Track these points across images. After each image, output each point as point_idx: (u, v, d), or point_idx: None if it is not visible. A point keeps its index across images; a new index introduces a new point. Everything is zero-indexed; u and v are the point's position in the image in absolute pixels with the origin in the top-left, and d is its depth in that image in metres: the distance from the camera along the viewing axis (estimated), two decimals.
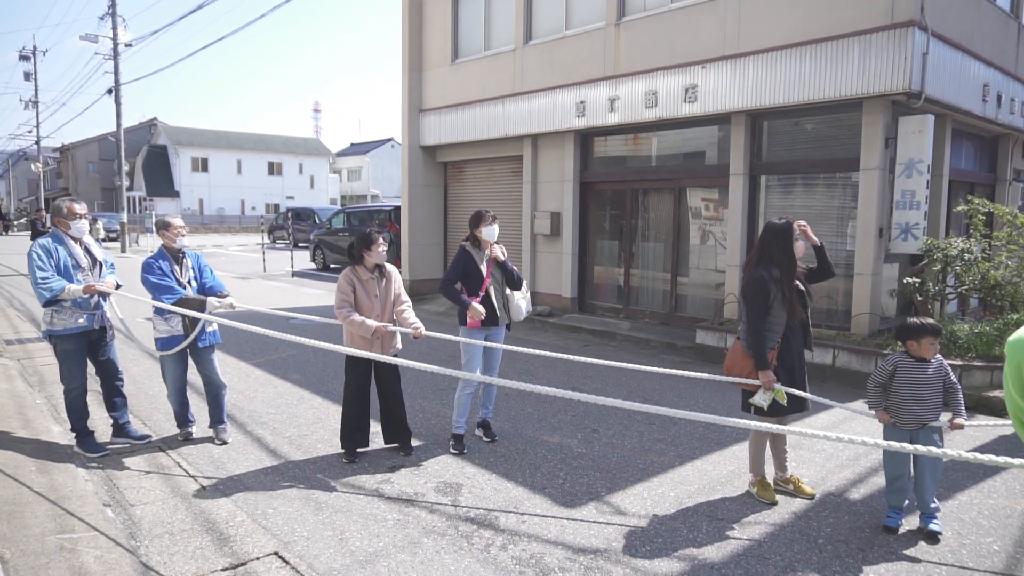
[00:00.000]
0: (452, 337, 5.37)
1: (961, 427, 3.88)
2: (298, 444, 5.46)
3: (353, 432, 5.14)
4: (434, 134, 13.75)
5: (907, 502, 4.08)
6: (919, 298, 7.76)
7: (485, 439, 5.56)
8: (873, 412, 4.10)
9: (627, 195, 11.11)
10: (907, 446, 2.94)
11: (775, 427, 3.31)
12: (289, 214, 28.51)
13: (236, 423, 5.91)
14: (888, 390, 4.03)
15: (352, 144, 71.82)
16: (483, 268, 5.33)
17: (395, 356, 5.12)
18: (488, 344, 5.25)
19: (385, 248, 5.12)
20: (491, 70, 12.55)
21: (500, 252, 5.42)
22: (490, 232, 5.34)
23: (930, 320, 4.03)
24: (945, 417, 3.97)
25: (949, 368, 4.04)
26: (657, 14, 9.89)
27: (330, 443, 5.43)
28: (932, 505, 3.96)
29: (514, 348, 5.23)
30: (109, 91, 28.06)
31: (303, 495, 4.49)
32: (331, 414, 6.15)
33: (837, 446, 5.40)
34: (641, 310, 10.91)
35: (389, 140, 64.16)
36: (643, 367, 4.81)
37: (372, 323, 4.92)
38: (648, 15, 10.01)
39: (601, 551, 3.80)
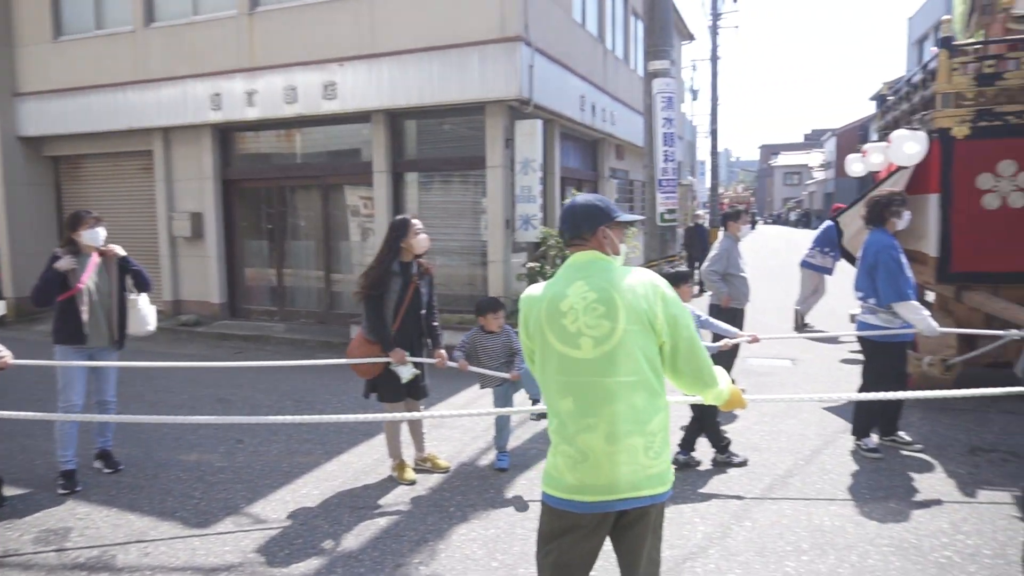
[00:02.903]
0: (53, 363, 4.62)
1: (517, 377, 4.67)
2: None
3: None
4: (37, 124, 11.63)
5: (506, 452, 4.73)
6: (540, 280, 8.87)
7: (106, 470, 4.90)
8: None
9: (275, 193, 10.75)
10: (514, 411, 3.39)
11: (407, 415, 3.84)
12: None
13: None
14: (471, 356, 4.75)
15: None
16: (79, 276, 4.66)
17: None
18: (93, 364, 4.65)
19: None
20: (107, 52, 11.02)
21: (119, 249, 4.85)
22: (93, 236, 4.70)
23: (495, 299, 4.88)
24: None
25: (515, 335, 4.83)
26: (292, 7, 9.67)
27: None
28: (504, 448, 4.90)
29: (145, 364, 4.72)
30: None
31: None
32: None
33: (474, 420, 5.91)
34: (297, 310, 10.67)
35: None
36: (269, 363, 4.71)
37: None
38: (283, 7, 9.74)
39: (236, 565, 3.61)
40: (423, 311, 4.61)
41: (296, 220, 10.82)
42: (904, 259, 4.76)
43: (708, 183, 30.99)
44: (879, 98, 8.76)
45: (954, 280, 5.94)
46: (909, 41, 31.43)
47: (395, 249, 4.46)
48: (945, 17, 6.00)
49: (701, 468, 4.81)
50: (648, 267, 7.63)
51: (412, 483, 4.62)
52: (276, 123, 10.26)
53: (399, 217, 4.57)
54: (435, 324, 4.71)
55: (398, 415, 4.35)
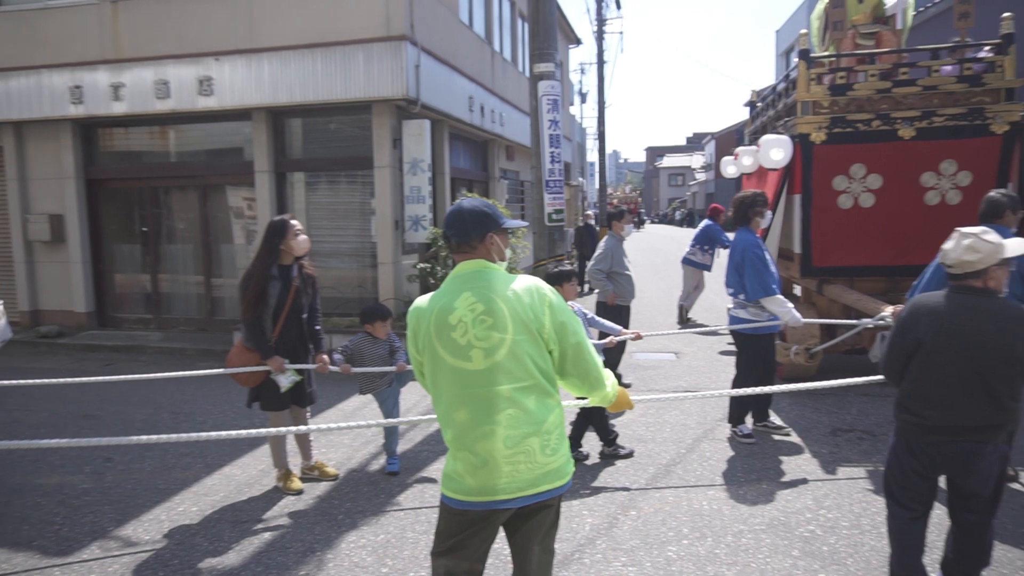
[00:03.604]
0: None
1: (404, 369, 4.63)
2: None
3: None
4: None
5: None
6: (432, 281, 8.82)
7: None
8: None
9: (148, 193, 10.10)
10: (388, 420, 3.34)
11: (292, 429, 3.84)
12: None
13: None
14: (353, 361, 4.67)
15: None
16: None
17: None
18: None
19: None
20: None
21: None
22: None
23: (382, 306, 4.86)
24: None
25: (399, 340, 4.82)
26: None
27: None
28: (394, 452, 4.84)
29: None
30: None
31: None
32: None
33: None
34: (175, 318, 10.08)
35: None
36: (139, 376, 4.44)
37: None
38: None
39: None
40: (305, 315, 4.47)
41: (172, 222, 10.21)
42: (768, 256, 5.09)
43: (597, 183, 31.88)
44: (750, 104, 9.31)
45: (815, 274, 6.41)
46: (777, 52, 33.65)
47: (274, 252, 4.29)
48: (802, 31, 6.46)
49: (589, 462, 4.94)
50: (537, 266, 7.75)
51: (299, 493, 4.47)
52: (147, 119, 9.64)
53: (277, 218, 4.40)
54: (317, 328, 4.58)
55: (282, 429, 4.17)
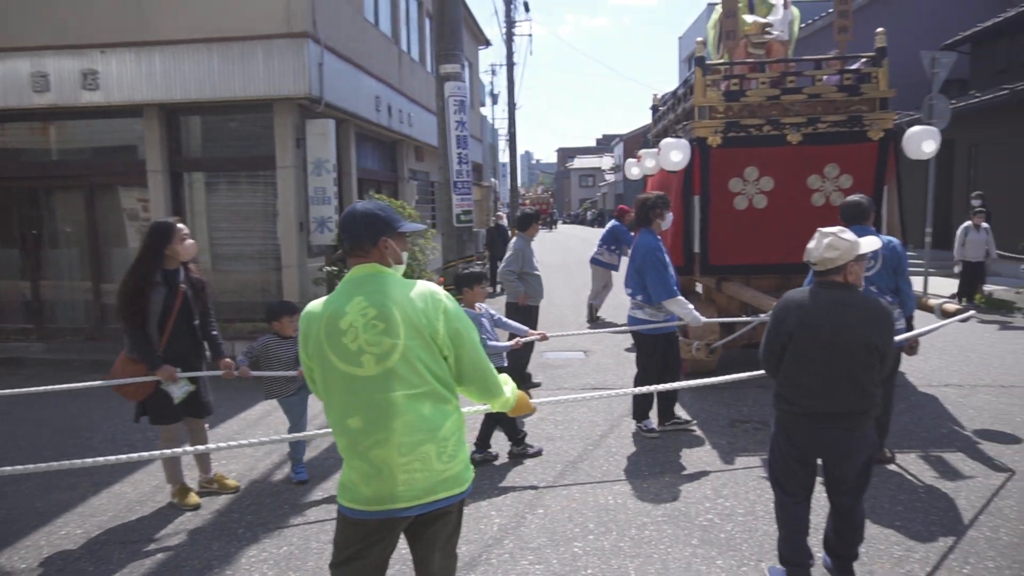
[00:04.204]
0: None
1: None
2: None
3: None
4: None
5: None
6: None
7: None
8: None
9: (26, 194, 9.40)
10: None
11: (179, 451, 3.68)
12: None
13: None
14: (260, 364, 4.56)
15: None
16: None
17: None
18: None
19: None
20: None
21: None
22: None
23: (288, 302, 4.76)
24: None
25: None
26: None
27: None
28: (301, 460, 4.72)
29: None
30: None
31: None
32: None
33: (267, 434, 5.60)
34: (60, 328, 9.41)
35: None
36: (17, 390, 4.14)
37: None
38: None
39: None
40: (196, 321, 4.27)
41: (56, 225, 9.53)
42: (667, 258, 5.25)
43: (510, 184, 32.03)
44: (653, 108, 9.61)
45: (714, 272, 6.68)
46: (680, 58, 34.83)
47: (157, 256, 4.08)
48: (699, 39, 6.73)
49: (498, 462, 4.96)
50: (447, 267, 7.73)
51: (196, 508, 4.27)
52: (23, 114, 8.95)
53: (160, 221, 4.19)
54: (215, 334, 4.39)
55: (168, 451, 3.92)
